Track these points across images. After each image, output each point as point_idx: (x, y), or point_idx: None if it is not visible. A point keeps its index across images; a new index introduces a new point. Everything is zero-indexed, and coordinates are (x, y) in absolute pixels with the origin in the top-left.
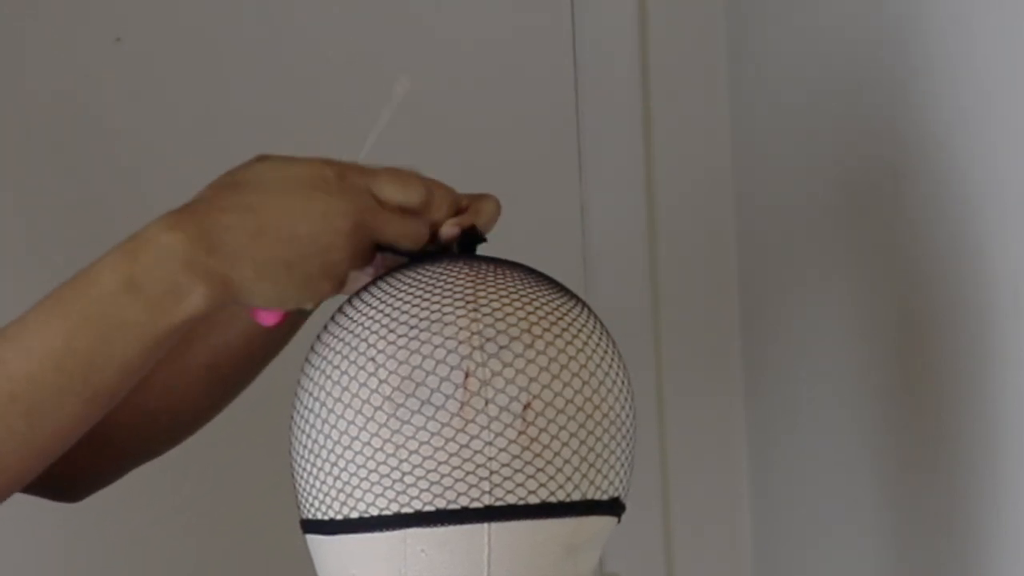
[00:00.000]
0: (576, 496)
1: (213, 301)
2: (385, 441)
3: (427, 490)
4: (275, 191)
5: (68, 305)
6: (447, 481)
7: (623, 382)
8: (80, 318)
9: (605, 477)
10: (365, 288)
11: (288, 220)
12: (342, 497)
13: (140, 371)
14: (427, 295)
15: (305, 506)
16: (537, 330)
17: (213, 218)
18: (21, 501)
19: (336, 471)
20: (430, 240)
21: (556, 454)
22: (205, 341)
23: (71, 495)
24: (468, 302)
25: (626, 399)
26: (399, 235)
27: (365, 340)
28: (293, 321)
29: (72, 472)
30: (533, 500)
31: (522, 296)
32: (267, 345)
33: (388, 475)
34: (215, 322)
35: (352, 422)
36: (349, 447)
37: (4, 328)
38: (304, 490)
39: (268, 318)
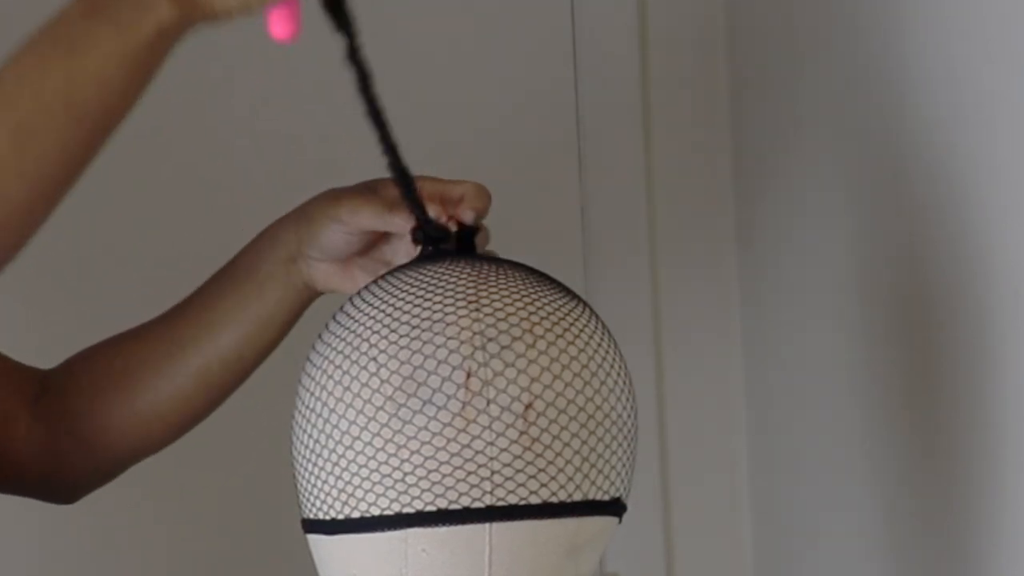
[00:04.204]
0: (577, 496)
1: (179, 9)
2: (387, 441)
3: (428, 490)
4: None
5: (40, 37)
6: (448, 481)
7: (624, 383)
8: (51, 43)
9: (606, 477)
10: (367, 287)
11: None
12: (343, 497)
13: (122, 94)
14: (429, 295)
15: (306, 506)
16: (539, 330)
17: None
18: (17, 499)
19: (338, 471)
20: (430, 240)
21: (557, 454)
22: (196, 346)
23: (65, 496)
24: (470, 302)
25: (627, 399)
26: None
27: (367, 340)
28: (285, 305)
29: (64, 472)
30: (534, 500)
31: (524, 296)
32: (258, 349)
33: (389, 475)
34: (206, 324)
35: (354, 422)
36: (351, 447)
37: None
38: (305, 490)
39: (280, 26)
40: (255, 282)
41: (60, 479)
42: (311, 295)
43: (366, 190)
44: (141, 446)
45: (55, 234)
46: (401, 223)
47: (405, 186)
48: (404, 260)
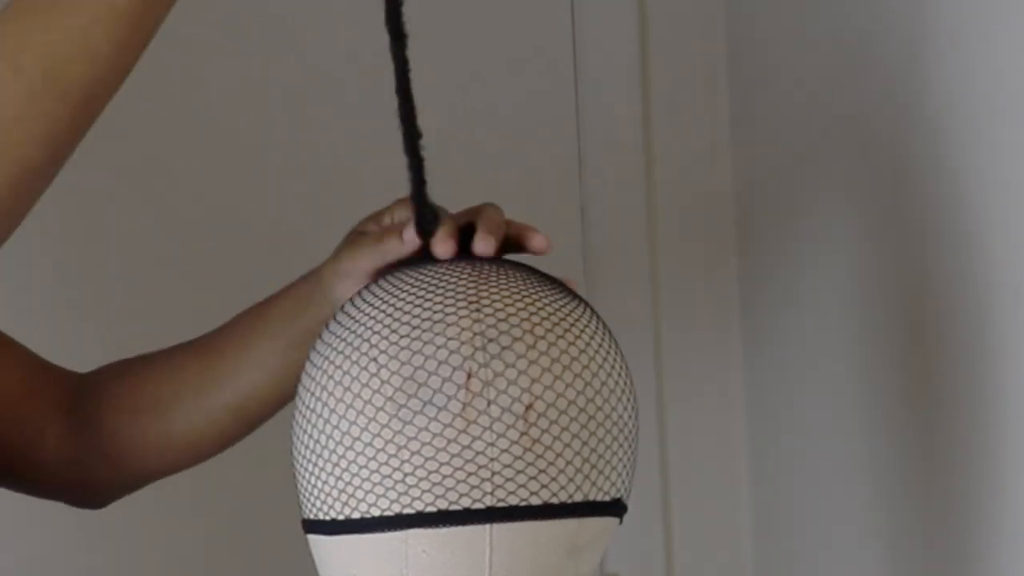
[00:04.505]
0: (578, 497)
1: None
2: (387, 442)
3: (429, 491)
4: None
5: (17, 3)
6: (449, 482)
7: (625, 383)
8: (29, 8)
9: (607, 478)
10: (367, 288)
11: None
12: (344, 497)
13: (110, 64)
14: (429, 295)
15: (307, 506)
16: (540, 331)
17: None
18: (22, 499)
19: (338, 471)
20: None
21: (558, 455)
22: (232, 385)
23: (90, 503)
24: (471, 302)
25: (628, 400)
26: None
27: (367, 340)
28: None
29: (90, 483)
30: (535, 501)
31: (525, 297)
32: (295, 381)
33: (390, 476)
34: (244, 366)
35: (354, 422)
36: (351, 447)
37: None
38: (306, 490)
39: None
40: (287, 339)
41: (86, 488)
42: None
43: (354, 236)
44: (169, 466)
45: (57, 232)
46: (396, 246)
47: (415, 167)
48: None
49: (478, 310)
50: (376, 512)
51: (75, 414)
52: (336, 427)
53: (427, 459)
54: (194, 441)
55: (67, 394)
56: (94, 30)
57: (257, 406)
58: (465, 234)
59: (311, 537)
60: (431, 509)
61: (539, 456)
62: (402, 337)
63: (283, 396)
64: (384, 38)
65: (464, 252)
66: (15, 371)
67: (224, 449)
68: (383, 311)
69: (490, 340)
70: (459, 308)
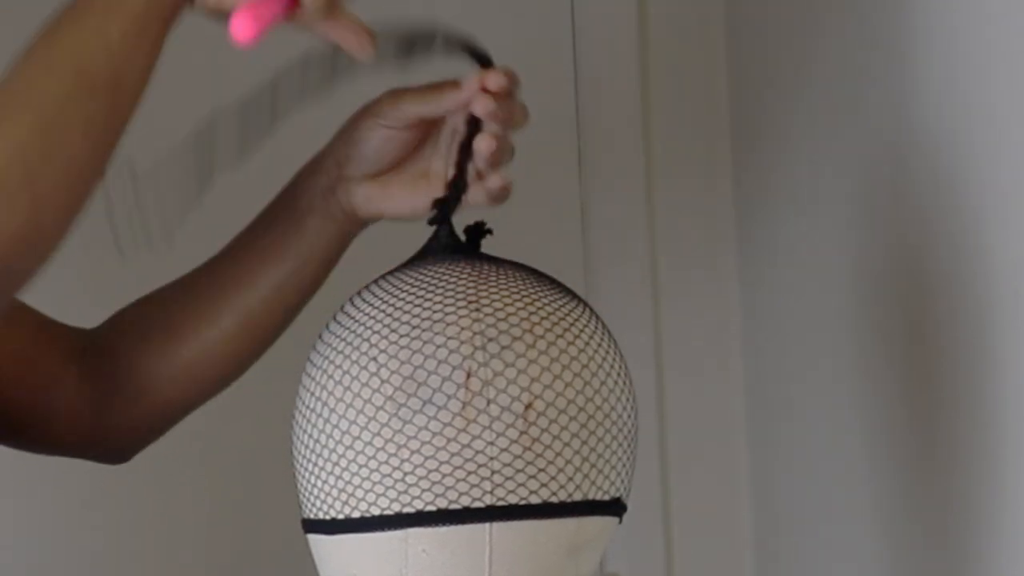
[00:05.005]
0: (577, 496)
1: None
2: (387, 441)
3: (428, 490)
4: None
5: (46, 31)
6: (448, 481)
7: (624, 383)
8: (57, 31)
9: (606, 477)
10: (367, 287)
11: None
12: (344, 497)
13: (130, 61)
14: (429, 295)
15: (307, 506)
16: (539, 331)
17: None
18: (19, 493)
19: (338, 471)
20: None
21: (557, 454)
22: (236, 286)
23: (117, 455)
24: (470, 302)
25: (627, 400)
26: None
27: (367, 340)
28: (324, 238)
29: (113, 429)
30: (534, 500)
31: (524, 297)
32: (298, 287)
33: (390, 475)
34: (246, 264)
35: (354, 422)
36: (351, 447)
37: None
38: (306, 490)
39: (241, 26)
40: (294, 216)
41: (110, 436)
42: (352, 227)
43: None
44: (188, 397)
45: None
46: (451, 101)
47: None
48: (440, 168)
49: (477, 310)
50: (376, 511)
51: (87, 361)
52: (336, 426)
53: (427, 458)
54: (207, 359)
55: (77, 343)
56: (109, 27)
57: (262, 308)
58: (471, 231)
59: (311, 537)
60: (431, 508)
61: (538, 455)
62: (402, 336)
63: (287, 299)
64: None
65: (465, 251)
66: (25, 327)
67: (237, 371)
68: (383, 311)
69: (489, 339)
70: (458, 308)
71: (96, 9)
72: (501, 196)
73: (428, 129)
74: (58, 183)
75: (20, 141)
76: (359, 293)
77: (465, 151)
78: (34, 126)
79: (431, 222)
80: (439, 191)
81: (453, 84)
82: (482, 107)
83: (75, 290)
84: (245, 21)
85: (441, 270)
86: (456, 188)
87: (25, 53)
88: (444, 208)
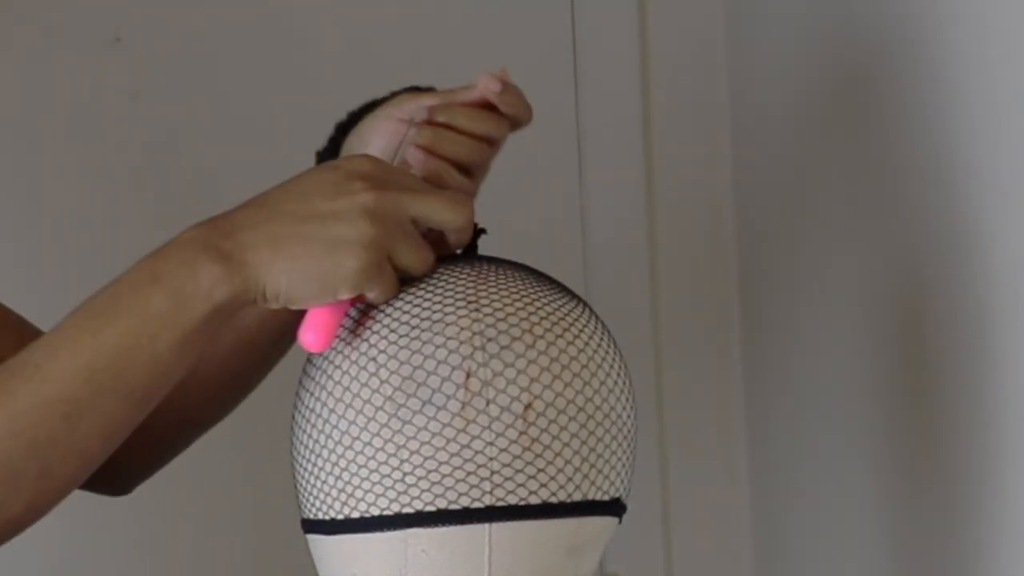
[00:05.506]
0: (577, 496)
1: (235, 288)
2: (386, 441)
3: (428, 490)
4: (299, 186)
5: (98, 307)
6: (448, 481)
7: (624, 383)
8: (109, 316)
9: (606, 477)
10: None
11: (302, 198)
12: (343, 497)
13: (175, 369)
14: (428, 295)
15: (306, 506)
16: (538, 331)
17: (234, 212)
18: None
19: (337, 471)
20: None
21: (557, 454)
22: (237, 321)
23: (120, 485)
24: (470, 302)
25: (627, 400)
26: (411, 262)
27: (366, 340)
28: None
29: (114, 459)
30: (534, 500)
31: (523, 297)
32: (276, 341)
33: (389, 475)
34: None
35: (353, 422)
36: (350, 447)
37: (39, 338)
38: (305, 490)
39: (313, 335)
40: None
41: (108, 469)
42: None
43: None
44: (188, 420)
45: (59, 232)
46: (463, 96)
47: None
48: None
49: (477, 310)
50: (375, 512)
51: None
52: (335, 427)
53: (426, 458)
54: (202, 378)
55: None
56: (159, 343)
57: (257, 324)
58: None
59: (311, 537)
60: (430, 508)
61: (538, 455)
62: (401, 337)
63: (266, 353)
64: (384, 36)
65: (464, 251)
66: (14, 341)
67: (236, 392)
68: (382, 311)
69: (489, 339)
70: (458, 308)
71: (155, 310)
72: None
73: None
74: (68, 472)
75: (32, 422)
76: None
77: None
78: (63, 421)
79: None
80: None
81: (467, 87)
82: (485, 85)
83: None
84: (319, 335)
85: (440, 270)
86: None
87: (71, 331)
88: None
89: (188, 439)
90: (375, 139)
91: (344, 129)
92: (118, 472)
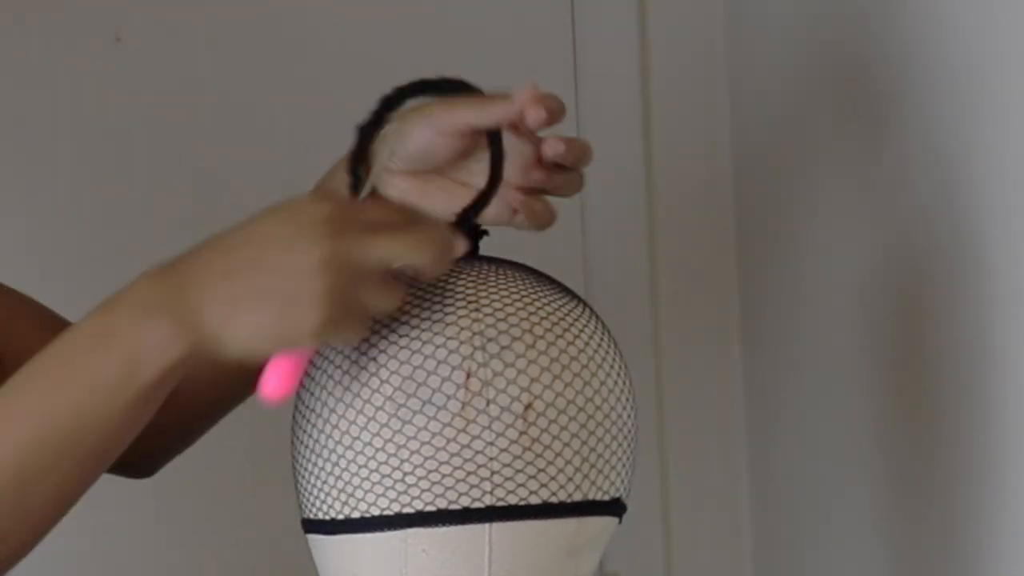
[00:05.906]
0: (577, 496)
1: (190, 347)
2: (386, 441)
3: (428, 490)
4: (256, 235)
5: (50, 367)
6: (448, 481)
7: (624, 383)
8: (61, 379)
9: (606, 477)
10: None
11: (261, 246)
12: (343, 497)
13: (129, 428)
14: (428, 295)
15: (306, 506)
16: (539, 331)
17: (191, 260)
18: None
19: (337, 471)
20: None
21: (557, 455)
22: None
23: (146, 467)
24: (470, 302)
25: (627, 400)
26: (377, 305)
27: (366, 340)
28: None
29: (140, 439)
30: (534, 500)
31: (524, 297)
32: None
33: (389, 475)
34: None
35: (353, 422)
36: (350, 447)
37: None
38: (305, 490)
39: (274, 384)
40: None
41: (133, 451)
42: None
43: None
44: (216, 403)
45: (58, 233)
46: (501, 112)
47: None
48: (482, 183)
49: (477, 310)
50: (376, 511)
51: None
52: (335, 426)
53: (426, 458)
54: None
55: None
56: (114, 403)
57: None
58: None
59: (311, 537)
60: (430, 508)
61: (538, 455)
62: (401, 337)
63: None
64: (384, 36)
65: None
66: (38, 330)
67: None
68: None
69: (489, 340)
70: (458, 308)
71: (107, 372)
72: (541, 217)
73: (477, 140)
74: (19, 538)
75: None
76: None
77: (497, 167)
78: (15, 486)
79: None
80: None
81: (504, 96)
82: (534, 117)
83: (84, 290)
84: (281, 383)
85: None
86: (482, 199)
87: (21, 394)
88: (467, 217)
89: (215, 416)
90: (413, 143)
91: (390, 105)
92: (144, 442)
